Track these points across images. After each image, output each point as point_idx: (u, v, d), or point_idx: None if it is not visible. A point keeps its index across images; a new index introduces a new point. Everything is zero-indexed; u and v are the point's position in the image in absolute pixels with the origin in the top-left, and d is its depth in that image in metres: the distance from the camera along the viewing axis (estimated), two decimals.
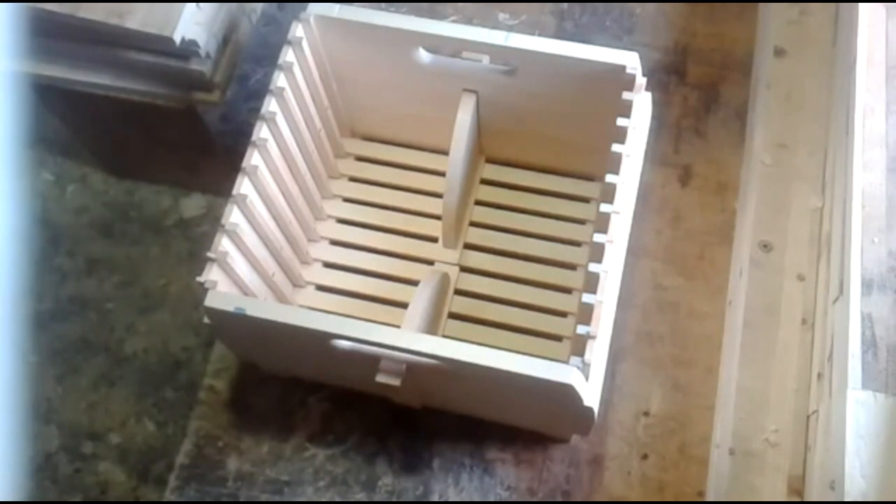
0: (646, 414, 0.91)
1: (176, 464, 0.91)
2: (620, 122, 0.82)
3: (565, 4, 1.15)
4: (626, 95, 0.83)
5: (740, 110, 1.06)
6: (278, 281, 0.92)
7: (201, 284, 0.78)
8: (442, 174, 0.95)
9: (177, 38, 0.98)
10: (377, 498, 0.89)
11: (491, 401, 0.85)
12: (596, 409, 0.78)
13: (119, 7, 0.98)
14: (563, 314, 0.93)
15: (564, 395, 0.72)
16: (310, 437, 0.92)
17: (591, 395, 0.75)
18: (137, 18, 0.98)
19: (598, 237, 0.78)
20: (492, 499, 0.88)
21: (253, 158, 0.83)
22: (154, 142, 1.28)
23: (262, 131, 0.84)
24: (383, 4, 1.14)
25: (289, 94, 0.86)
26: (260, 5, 1.17)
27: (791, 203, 0.92)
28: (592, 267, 0.76)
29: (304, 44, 0.87)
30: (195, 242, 1.52)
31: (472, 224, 1.00)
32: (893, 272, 0.75)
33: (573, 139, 0.95)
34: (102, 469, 1.51)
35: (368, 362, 0.77)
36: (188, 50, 1.01)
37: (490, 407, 0.88)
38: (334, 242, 1.00)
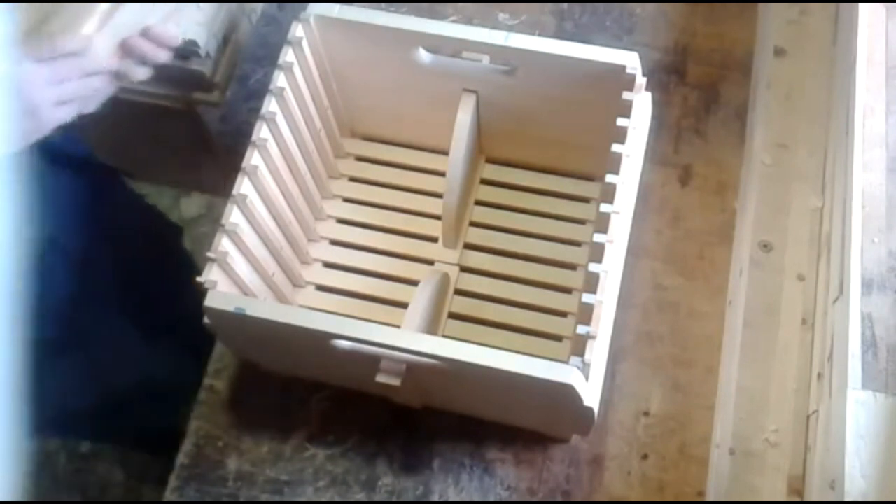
0: (646, 414, 0.91)
1: (176, 464, 0.91)
2: (620, 122, 0.82)
3: (565, 4, 1.15)
4: (626, 95, 0.83)
5: (740, 110, 1.06)
6: (278, 281, 0.92)
7: (201, 284, 0.78)
8: (442, 174, 0.95)
9: None
10: (377, 498, 0.89)
11: (491, 401, 0.85)
12: (596, 409, 0.78)
13: None
14: (563, 314, 0.94)
15: (564, 395, 0.72)
16: (310, 437, 0.92)
17: (591, 395, 0.75)
18: None
19: (598, 237, 0.78)
20: (492, 499, 0.88)
21: (253, 158, 0.83)
22: (154, 142, 1.28)
23: (262, 131, 0.84)
24: (383, 4, 1.14)
25: (289, 94, 0.86)
26: (260, 5, 1.17)
27: (791, 203, 0.92)
28: (592, 267, 0.76)
29: (304, 44, 0.87)
30: (195, 242, 1.52)
31: (472, 224, 1.00)
32: (893, 272, 0.75)
33: (573, 139, 0.95)
34: (102, 469, 1.51)
35: (368, 362, 0.77)
36: (188, 50, 1.01)
37: (490, 407, 0.88)
38: (334, 242, 1.00)
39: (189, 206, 1.57)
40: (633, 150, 0.86)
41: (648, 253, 0.98)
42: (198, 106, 1.10)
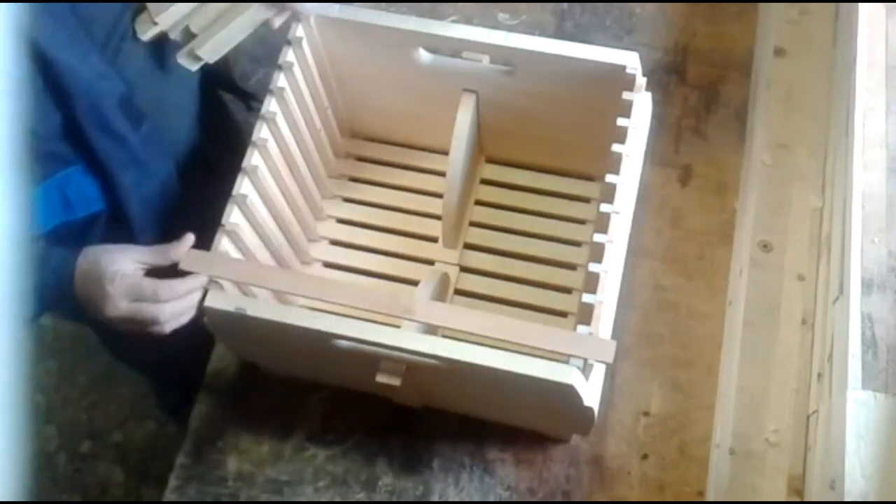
0: (646, 414, 0.91)
1: (176, 464, 0.91)
2: (620, 122, 0.82)
3: (565, 4, 1.15)
4: (626, 95, 0.83)
5: (740, 110, 1.06)
6: None
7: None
8: (442, 174, 0.95)
9: None
10: (377, 498, 0.89)
11: (491, 401, 0.85)
12: (596, 409, 0.78)
13: None
14: (563, 314, 0.94)
15: (565, 395, 0.72)
16: (310, 437, 0.92)
17: (591, 395, 0.75)
18: None
19: (598, 237, 0.78)
20: (492, 499, 0.88)
21: (253, 158, 0.83)
22: None
23: (262, 131, 0.84)
24: (383, 4, 1.14)
25: (289, 94, 0.86)
26: None
27: (791, 203, 0.92)
28: (592, 267, 0.76)
29: (304, 44, 0.87)
30: None
31: (472, 224, 1.00)
32: (893, 272, 0.75)
33: (573, 139, 0.95)
34: (102, 469, 1.51)
35: (368, 362, 0.77)
36: None
37: (490, 407, 0.88)
38: (334, 242, 1.00)
39: None
40: (633, 150, 0.86)
41: (648, 253, 0.98)
42: None
